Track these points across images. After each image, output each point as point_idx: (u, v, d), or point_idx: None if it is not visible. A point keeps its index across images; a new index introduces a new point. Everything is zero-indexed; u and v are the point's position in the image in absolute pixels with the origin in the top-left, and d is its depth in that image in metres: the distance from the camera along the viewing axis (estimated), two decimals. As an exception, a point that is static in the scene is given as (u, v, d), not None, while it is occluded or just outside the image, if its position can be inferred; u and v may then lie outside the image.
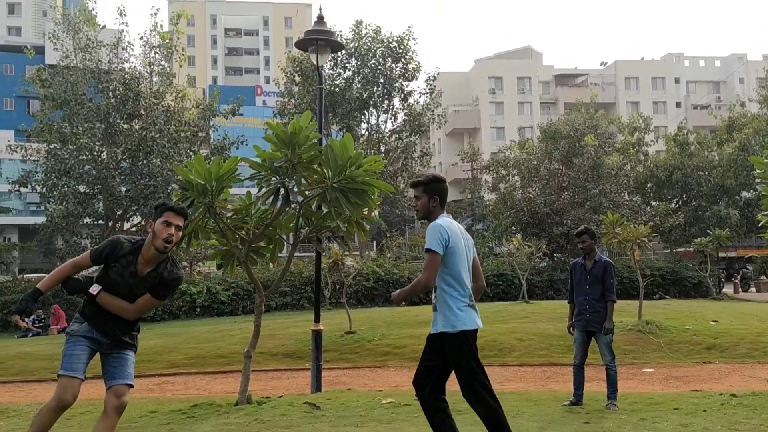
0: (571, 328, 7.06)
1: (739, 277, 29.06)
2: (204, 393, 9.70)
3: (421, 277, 3.95)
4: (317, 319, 9.27)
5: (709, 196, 28.53)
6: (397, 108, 31.96)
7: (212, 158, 9.15)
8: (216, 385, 10.68)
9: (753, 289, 28.85)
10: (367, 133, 31.59)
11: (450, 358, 4.00)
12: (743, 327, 12.95)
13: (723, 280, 26.67)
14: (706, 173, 28.66)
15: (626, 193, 29.18)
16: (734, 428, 5.24)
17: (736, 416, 5.72)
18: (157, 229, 4.13)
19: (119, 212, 23.03)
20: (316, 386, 8.86)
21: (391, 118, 32.32)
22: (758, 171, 7.18)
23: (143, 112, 22.32)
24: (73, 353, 4.16)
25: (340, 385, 9.78)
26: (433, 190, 4.15)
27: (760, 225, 7.12)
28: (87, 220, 23.36)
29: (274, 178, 6.83)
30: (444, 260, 3.94)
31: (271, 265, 25.37)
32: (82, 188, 22.36)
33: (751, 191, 28.61)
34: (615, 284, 6.85)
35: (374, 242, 40.55)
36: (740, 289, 27.87)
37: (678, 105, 65.31)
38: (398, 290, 4.08)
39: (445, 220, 4.05)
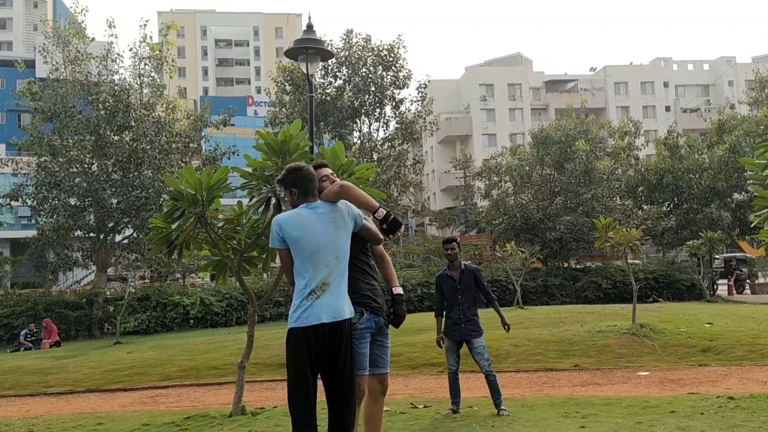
0: (441, 341, 7.10)
1: (733, 279, 29.09)
2: (198, 405, 9.61)
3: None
4: (311, 329, 9.20)
5: (701, 198, 28.61)
6: (388, 116, 31.96)
7: (203, 168, 9.12)
8: (210, 397, 10.59)
9: (748, 290, 28.91)
10: (359, 141, 31.58)
11: None
12: (739, 329, 12.94)
13: (717, 282, 26.71)
14: (697, 176, 28.74)
15: (618, 198, 29.25)
16: (732, 431, 5.21)
17: (734, 419, 5.69)
18: None
19: (110, 224, 22.90)
20: (311, 396, 8.78)
21: (383, 126, 32.30)
22: (749, 172, 7.20)
23: (134, 124, 22.22)
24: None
25: (335, 395, 9.69)
26: (289, 183, 3.89)
27: (752, 226, 7.13)
28: (78, 232, 23.21)
29: (264, 187, 6.80)
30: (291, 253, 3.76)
31: (264, 275, 25.26)
32: (72, 201, 22.23)
33: (743, 193, 28.70)
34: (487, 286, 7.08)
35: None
36: (734, 291, 27.92)
37: (667, 109, 65.68)
38: None
39: (291, 211, 3.85)
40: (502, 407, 6.65)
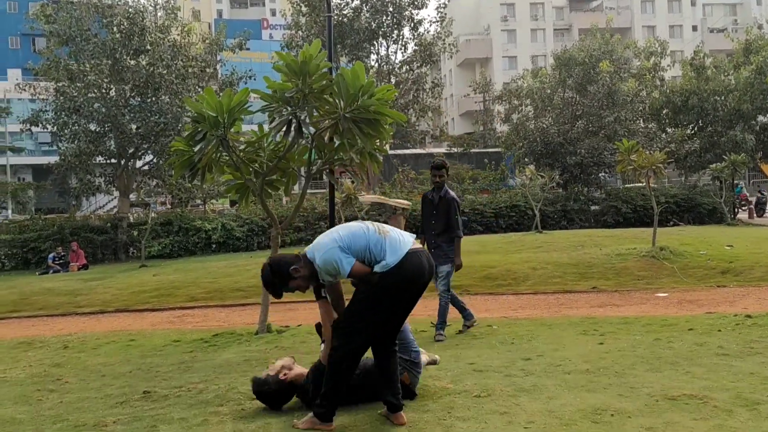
0: None
1: (754, 203, 28.78)
2: (224, 324, 9.91)
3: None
4: (333, 251, 9.35)
5: (725, 121, 27.95)
6: (407, 38, 31.29)
7: (222, 92, 9.05)
8: (235, 317, 10.90)
9: (768, 214, 28.65)
10: (377, 64, 31.05)
11: None
12: (758, 251, 12.93)
13: (737, 208, 26.42)
14: (722, 98, 28.00)
15: (641, 120, 28.69)
16: (749, 346, 5.29)
17: (751, 335, 5.77)
18: None
19: (131, 150, 23.03)
20: (333, 315, 9.02)
21: (401, 49, 31.70)
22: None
23: (149, 48, 21.96)
24: None
25: (357, 315, 9.94)
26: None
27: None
28: (99, 158, 23.41)
29: (285, 109, 6.76)
30: None
31: (284, 200, 25.41)
32: (92, 126, 22.30)
33: (768, 115, 28.03)
34: (460, 221, 6.96)
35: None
36: (755, 215, 27.69)
37: (694, 29, 63.45)
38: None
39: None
40: (441, 332, 6.75)
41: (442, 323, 6.83)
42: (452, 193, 7.07)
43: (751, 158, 27.00)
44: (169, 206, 30.90)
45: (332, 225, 9.83)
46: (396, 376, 3.90)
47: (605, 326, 6.82)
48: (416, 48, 31.08)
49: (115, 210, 25.58)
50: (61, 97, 21.90)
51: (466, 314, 7.12)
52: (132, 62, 22.24)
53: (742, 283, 10.84)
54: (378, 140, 7.56)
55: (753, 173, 42.60)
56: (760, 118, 28.60)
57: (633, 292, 10.90)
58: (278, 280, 3.86)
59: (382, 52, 31.15)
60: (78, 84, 21.75)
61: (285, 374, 4.08)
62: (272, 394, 4.07)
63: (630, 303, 9.91)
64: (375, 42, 30.29)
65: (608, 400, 3.96)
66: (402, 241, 3.81)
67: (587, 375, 4.61)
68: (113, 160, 23.59)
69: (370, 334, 3.76)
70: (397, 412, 3.77)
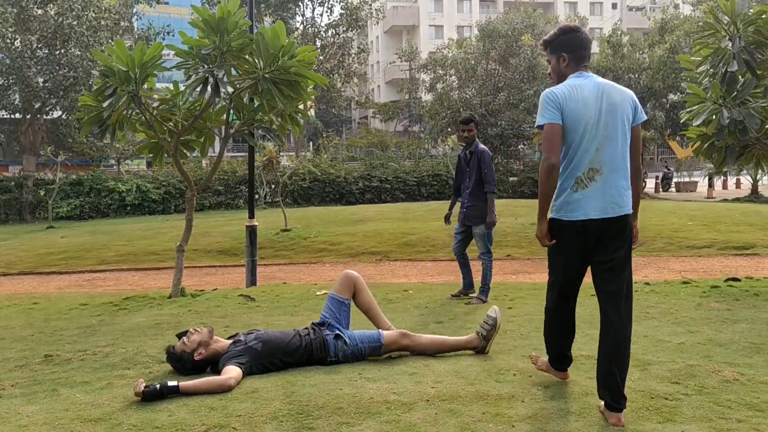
0: (447, 219, 7.05)
1: (660, 177, 30.31)
2: (136, 288, 9.66)
3: (541, 163, 3.14)
4: (251, 215, 9.26)
5: (638, 98, 29.13)
6: (333, 0, 30.82)
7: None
8: (149, 281, 10.64)
9: (673, 189, 30.27)
10: (302, 26, 30.48)
11: None
12: (661, 223, 13.66)
13: (645, 181, 27.80)
14: (636, 75, 29.11)
15: (560, 95, 29.50)
16: (645, 312, 5.61)
17: (648, 301, 6.11)
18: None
19: (37, 105, 21.78)
20: (251, 280, 8.95)
21: (327, 11, 31.35)
22: (685, 70, 7.35)
23: (58, -4, 20.71)
24: None
25: (275, 280, 9.91)
26: (558, 48, 3.36)
27: (682, 122, 7.36)
28: (3, 113, 22.07)
29: (202, 67, 6.54)
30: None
31: (204, 162, 24.74)
32: (-6, 79, 20.97)
33: (678, 94, 29.39)
34: (493, 174, 6.58)
35: (310, 143, 40.16)
36: (661, 189, 29.19)
37: (614, 6, 65.37)
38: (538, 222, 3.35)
39: (568, 82, 3.25)
40: (478, 296, 6.51)
41: (483, 287, 6.54)
42: (483, 146, 6.75)
43: (660, 135, 28.32)
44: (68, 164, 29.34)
45: (252, 185, 9.72)
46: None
47: (516, 292, 7.06)
48: (343, 11, 30.67)
49: (20, 168, 24.24)
50: (-40, 46, 20.42)
51: (465, 282, 6.90)
52: (39, 11, 20.94)
53: (644, 254, 11.44)
54: (299, 103, 7.47)
55: (661, 149, 44.78)
56: (671, 96, 29.95)
57: (545, 260, 11.22)
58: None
59: (308, 14, 30.61)
60: (-21, 32, 20.30)
61: (201, 353, 3.99)
62: (186, 370, 3.98)
63: (542, 271, 10.27)
64: (300, 3, 29.70)
65: (512, 360, 4.12)
66: (588, 203, 3.18)
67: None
68: (18, 115, 22.27)
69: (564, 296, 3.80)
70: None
